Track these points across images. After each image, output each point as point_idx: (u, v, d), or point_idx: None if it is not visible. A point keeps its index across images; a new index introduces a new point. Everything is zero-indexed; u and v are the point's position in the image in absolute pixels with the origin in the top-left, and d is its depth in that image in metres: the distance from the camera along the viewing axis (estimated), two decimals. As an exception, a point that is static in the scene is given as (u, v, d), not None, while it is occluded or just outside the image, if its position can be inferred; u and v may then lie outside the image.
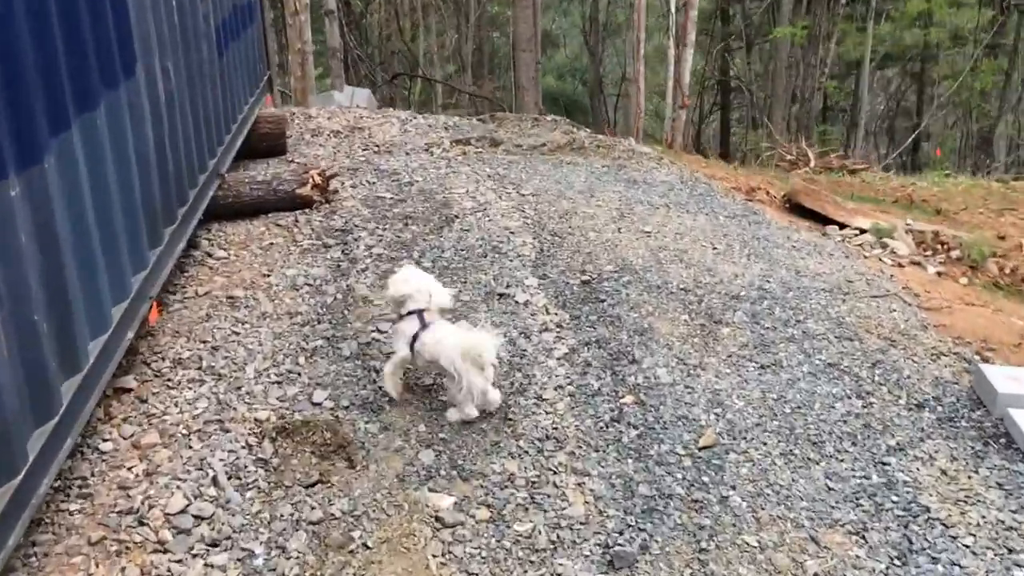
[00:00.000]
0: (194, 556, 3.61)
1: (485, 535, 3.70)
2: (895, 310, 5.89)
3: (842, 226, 8.09)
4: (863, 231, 7.85)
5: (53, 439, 3.65)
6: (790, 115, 25.71)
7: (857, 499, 4.01)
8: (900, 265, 7.12)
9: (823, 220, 8.35)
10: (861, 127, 23.10)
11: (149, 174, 5.21)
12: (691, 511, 3.88)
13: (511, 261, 6.32)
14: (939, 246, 7.86)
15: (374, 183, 8.04)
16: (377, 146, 9.44)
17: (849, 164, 15.84)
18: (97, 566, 3.55)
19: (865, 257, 7.19)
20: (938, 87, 27.25)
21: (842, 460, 4.28)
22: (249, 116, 8.47)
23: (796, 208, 8.75)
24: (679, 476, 4.10)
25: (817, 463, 4.26)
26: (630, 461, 4.19)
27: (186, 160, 6.09)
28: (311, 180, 7.45)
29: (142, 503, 3.90)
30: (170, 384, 4.88)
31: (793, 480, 4.11)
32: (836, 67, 27.21)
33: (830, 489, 4.07)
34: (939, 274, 7.14)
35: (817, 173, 14.64)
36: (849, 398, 4.81)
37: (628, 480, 4.06)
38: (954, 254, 7.69)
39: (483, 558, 3.62)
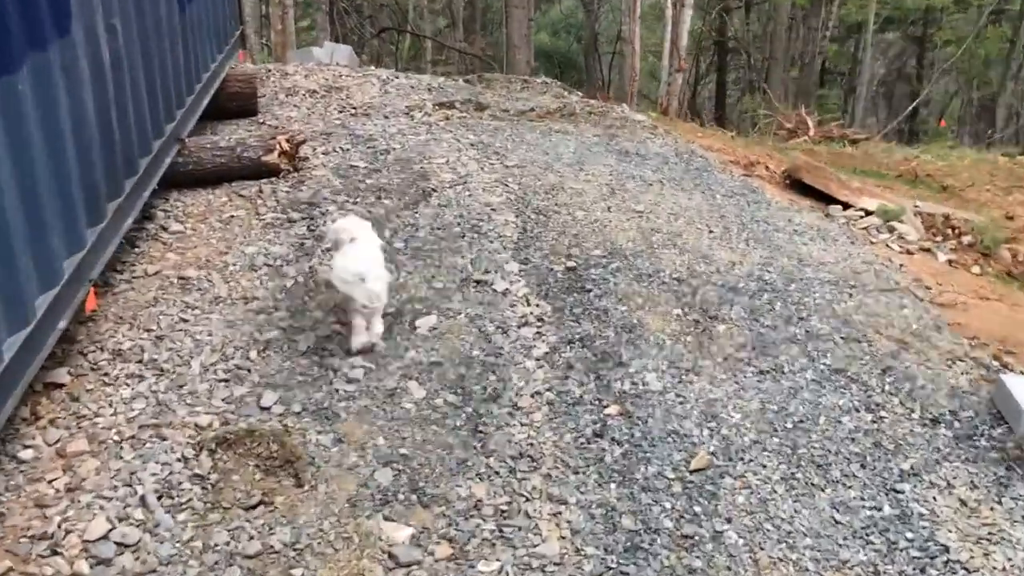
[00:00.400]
0: (111, 595, 3.15)
1: (445, 577, 3.25)
2: (906, 307, 5.41)
3: (846, 206, 7.60)
4: (869, 212, 7.36)
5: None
6: (788, 79, 25.07)
7: (867, 535, 3.56)
8: (909, 252, 6.65)
9: (826, 198, 7.86)
10: (862, 94, 22.45)
11: (88, 145, 4.67)
12: (680, 549, 3.42)
13: (491, 243, 5.81)
14: (949, 231, 7.38)
15: (348, 150, 7.49)
16: (354, 108, 8.86)
17: (850, 134, 15.32)
18: (-4, 607, 3.09)
19: (872, 243, 6.70)
20: (940, 52, 26.60)
21: (850, 487, 3.82)
22: (216, 75, 7.89)
23: (797, 184, 8.25)
24: (667, 506, 3.63)
25: (822, 490, 3.80)
26: (613, 486, 3.72)
27: (137, 126, 5.54)
28: (278, 147, 6.90)
29: (59, 527, 3.43)
30: (106, 380, 4.40)
31: (796, 511, 3.65)
32: (836, 30, 26.53)
33: (837, 522, 3.61)
34: (950, 262, 6.68)
35: (817, 143, 14.13)
36: (857, 411, 4.34)
37: (610, 510, 3.59)
38: (965, 240, 7.21)
39: (441, 606, 3.17)
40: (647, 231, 6.18)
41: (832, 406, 4.37)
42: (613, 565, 3.32)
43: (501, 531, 3.44)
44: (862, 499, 3.76)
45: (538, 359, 4.59)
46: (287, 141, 6.94)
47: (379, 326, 4.64)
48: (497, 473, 3.76)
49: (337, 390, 4.28)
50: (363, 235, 4.84)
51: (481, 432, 4.02)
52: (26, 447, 3.87)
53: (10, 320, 3.73)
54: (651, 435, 4.04)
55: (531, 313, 5.01)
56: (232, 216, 6.20)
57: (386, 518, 3.49)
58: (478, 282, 5.32)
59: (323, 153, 7.33)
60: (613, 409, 4.21)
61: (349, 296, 4.48)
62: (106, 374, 4.44)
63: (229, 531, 3.44)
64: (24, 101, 3.90)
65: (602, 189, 6.97)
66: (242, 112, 8.39)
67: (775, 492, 3.75)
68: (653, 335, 4.84)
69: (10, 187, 3.72)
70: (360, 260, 4.55)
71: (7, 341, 3.68)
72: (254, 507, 3.58)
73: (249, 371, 4.46)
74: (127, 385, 4.34)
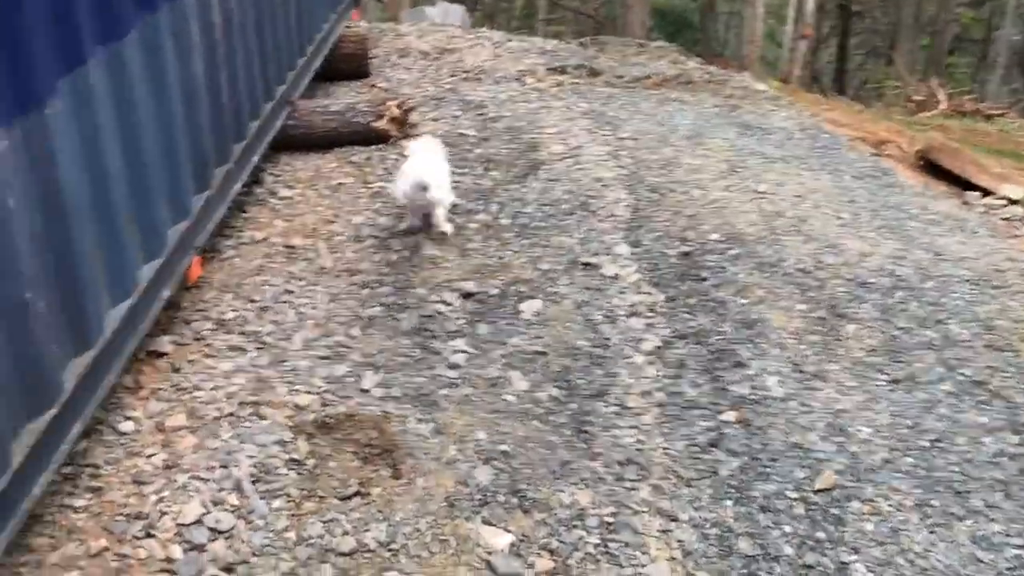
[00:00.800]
0: (202, 585, 3.07)
1: (545, 594, 3.05)
2: (1056, 312, 4.93)
3: (985, 192, 7.03)
4: (1013, 201, 6.78)
5: (50, 434, 3.13)
6: (916, 46, 23.76)
7: (1013, 578, 3.22)
8: (1057, 248, 6.09)
9: (962, 183, 7.29)
10: (998, 63, 21.03)
11: (197, 111, 4.59)
12: (801, 581, 3.14)
13: (601, 222, 5.54)
14: (1102, 225, 6.74)
15: (457, 116, 7.30)
16: (466, 72, 8.65)
17: (984, 108, 14.38)
18: (92, 587, 3.05)
19: (1015, 236, 6.17)
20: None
21: (993, 519, 3.46)
22: (329, 36, 7.78)
23: (930, 166, 7.69)
24: (788, 529, 3.34)
25: (961, 520, 3.44)
26: (729, 504, 3.45)
27: (247, 90, 5.46)
28: (388, 112, 6.75)
29: (154, 507, 3.37)
30: (208, 351, 4.34)
31: (931, 544, 3.31)
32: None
33: (979, 560, 3.26)
34: (1102, 261, 6.08)
35: (947, 117, 13.31)
36: (1001, 431, 3.94)
37: (726, 530, 3.32)
38: (1121, 235, 6.57)
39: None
40: (769, 214, 5.81)
41: (972, 424, 3.98)
42: (727, 594, 3.08)
43: (606, 546, 3.22)
44: (1007, 535, 3.39)
45: (648, 353, 4.33)
46: (397, 107, 6.78)
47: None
48: (603, 480, 3.53)
49: (439, 375, 4.12)
50: (433, 151, 5.47)
51: (586, 432, 3.80)
52: (127, 418, 3.84)
53: (113, 293, 3.67)
54: (771, 447, 3.73)
55: (641, 302, 4.74)
56: (341, 183, 6.10)
57: (485, 521, 3.31)
58: (586, 265, 5.07)
59: (432, 120, 7.16)
60: (730, 415, 3.91)
61: (416, 200, 5.20)
62: (208, 344, 4.39)
63: (324, 523, 3.31)
64: (132, 69, 3.81)
65: (721, 166, 6.60)
66: (354, 74, 8.30)
67: (908, 520, 3.41)
68: (775, 332, 4.51)
69: (115, 161, 3.65)
70: (424, 169, 5.15)
71: (109, 314, 3.63)
72: (350, 498, 3.45)
73: (351, 348, 4.34)
74: (228, 358, 4.28)
